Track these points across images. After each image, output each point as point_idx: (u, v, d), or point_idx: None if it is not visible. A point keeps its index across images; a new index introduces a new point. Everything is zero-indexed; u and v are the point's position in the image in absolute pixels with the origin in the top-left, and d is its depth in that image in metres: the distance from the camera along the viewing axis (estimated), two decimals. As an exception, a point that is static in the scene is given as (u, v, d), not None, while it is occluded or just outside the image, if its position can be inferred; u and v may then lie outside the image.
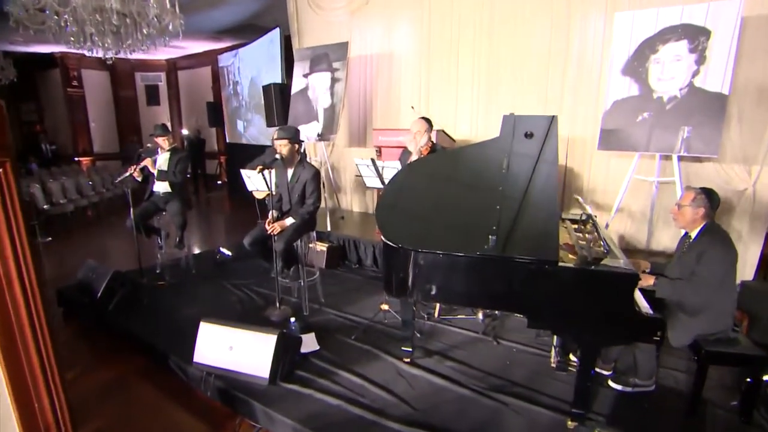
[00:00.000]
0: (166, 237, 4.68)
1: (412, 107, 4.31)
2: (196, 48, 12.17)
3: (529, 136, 2.79)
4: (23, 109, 14.69)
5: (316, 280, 3.96)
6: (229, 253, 5.16)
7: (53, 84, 13.02)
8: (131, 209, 4.08)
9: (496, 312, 3.65)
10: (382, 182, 3.22)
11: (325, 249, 4.90)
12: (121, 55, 5.36)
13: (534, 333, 3.36)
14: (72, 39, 4.67)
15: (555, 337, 3.07)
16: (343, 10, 6.01)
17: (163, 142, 4.51)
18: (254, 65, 8.92)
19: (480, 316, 3.61)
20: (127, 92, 13.57)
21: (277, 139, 3.55)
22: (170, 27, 4.99)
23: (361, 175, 3.31)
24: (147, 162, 4.40)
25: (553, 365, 3.04)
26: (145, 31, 4.82)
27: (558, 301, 2.20)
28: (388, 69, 5.83)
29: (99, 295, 3.67)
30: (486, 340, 3.37)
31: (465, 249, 2.23)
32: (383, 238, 2.49)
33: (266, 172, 3.51)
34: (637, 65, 3.79)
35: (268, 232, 3.51)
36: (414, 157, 3.37)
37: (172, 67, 13.68)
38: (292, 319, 3.09)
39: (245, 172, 4.28)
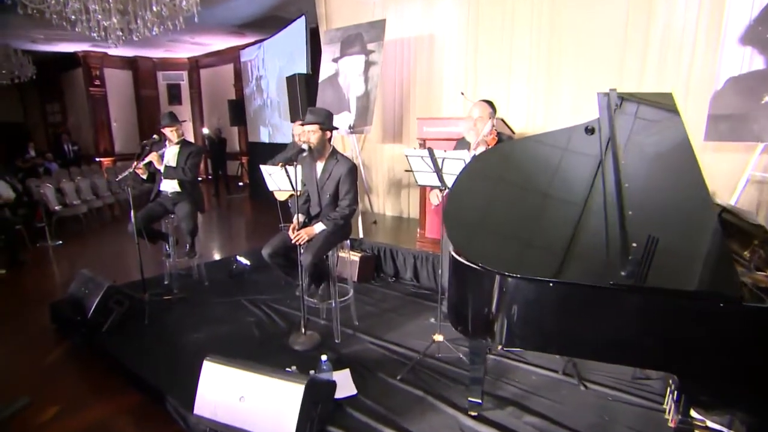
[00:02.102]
0: (175, 243, 4.05)
1: (462, 93, 3.57)
2: (218, 45, 11.73)
3: (640, 119, 2.07)
4: (48, 110, 14.59)
5: (349, 300, 3.25)
6: (248, 262, 4.51)
7: (76, 84, 12.79)
8: (132, 211, 3.45)
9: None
10: (441, 179, 2.49)
11: (357, 259, 4.20)
12: (134, 41, 4.77)
13: (627, 372, 2.59)
14: (74, 17, 4.10)
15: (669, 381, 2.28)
16: (377, -11, 5.33)
17: (171, 133, 3.88)
18: (281, 56, 8.30)
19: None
20: (149, 91, 13.24)
21: (304, 123, 2.86)
22: (183, 4, 4.38)
23: (411, 170, 2.58)
24: (153, 157, 3.77)
25: (671, 425, 2.24)
26: (155, 9, 4.21)
27: (735, 357, 1.43)
28: (428, 53, 5.10)
29: (90, 314, 3.05)
30: (569, 382, 2.59)
31: (589, 276, 1.48)
32: (453, 253, 1.76)
33: (290, 167, 2.84)
34: (762, 30, 2.95)
35: (293, 241, 2.82)
36: (479, 150, 2.63)
37: (195, 65, 13.31)
38: (324, 357, 2.38)
39: (266, 169, 3.63)
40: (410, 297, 3.90)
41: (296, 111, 6.13)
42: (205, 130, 12.16)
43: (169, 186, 3.91)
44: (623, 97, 2.17)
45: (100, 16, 4.13)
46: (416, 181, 2.67)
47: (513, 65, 4.55)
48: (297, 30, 7.54)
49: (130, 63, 12.94)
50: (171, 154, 3.91)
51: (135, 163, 3.73)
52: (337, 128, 2.98)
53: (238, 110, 10.81)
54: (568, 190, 1.88)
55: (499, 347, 2.20)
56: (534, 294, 1.52)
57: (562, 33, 4.24)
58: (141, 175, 3.82)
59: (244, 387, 2.05)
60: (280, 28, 8.29)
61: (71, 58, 12.23)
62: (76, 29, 4.42)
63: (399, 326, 3.31)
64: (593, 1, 4.03)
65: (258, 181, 9.34)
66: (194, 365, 2.24)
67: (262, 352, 2.91)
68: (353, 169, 2.90)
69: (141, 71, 13.03)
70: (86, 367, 3.04)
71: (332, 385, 2.20)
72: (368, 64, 4.75)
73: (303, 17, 7.22)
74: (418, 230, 4.30)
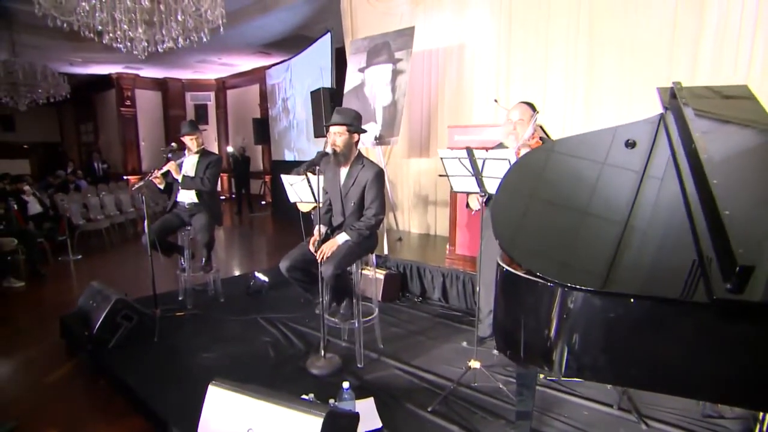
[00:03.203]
0: (191, 257, 3.86)
1: (496, 100, 3.33)
2: (245, 65, 11.93)
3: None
4: (82, 129, 15.08)
5: (374, 320, 2.95)
6: (266, 279, 4.28)
7: (108, 104, 13.18)
8: (146, 221, 3.28)
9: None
10: (480, 184, 2.21)
11: (382, 277, 3.91)
12: (161, 57, 4.73)
13: (694, 408, 2.21)
14: (101, 27, 4.08)
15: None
16: (405, -1, 5.20)
17: (190, 142, 3.74)
18: (307, 75, 8.26)
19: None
20: (177, 111, 13.52)
21: (330, 124, 2.65)
22: (209, 14, 4.32)
23: (446, 175, 2.31)
24: (170, 166, 3.62)
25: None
26: (180, 18, 4.15)
27: None
28: (458, 63, 4.89)
29: (96, 328, 2.85)
30: (627, 419, 2.21)
31: (675, 291, 1.17)
32: (502, 263, 1.47)
33: (312, 176, 2.62)
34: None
35: (316, 258, 2.57)
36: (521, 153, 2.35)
37: (222, 86, 13.56)
38: (345, 385, 2.09)
39: (287, 179, 3.42)
40: (439, 318, 3.58)
41: (320, 127, 5.99)
42: (230, 149, 12.25)
43: (187, 197, 3.74)
44: (680, 91, 1.89)
45: (126, 26, 4.09)
46: (452, 187, 2.39)
47: (548, 72, 4.28)
48: (323, 47, 7.50)
49: (160, 84, 13.27)
50: (190, 164, 3.76)
51: (153, 171, 3.59)
52: (365, 131, 2.76)
53: (262, 129, 10.85)
54: (626, 195, 1.58)
55: (560, 377, 1.87)
56: (608, 312, 1.21)
57: (602, 37, 3.96)
58: (158, 185, 3.69)
59: (253, 417, 1.77)
60: (306, 46, 8.30)
61: (105, 80, 12.65)
62: (104, 41, 4.40)
63: (428, 350, 2.99)
64: (636, 4, 3.76)
65: (281, 200, 9.32)
66: (202, 389, 1.98)
67: (277, 376, 2.64)
68: (380, 175, 2.65)
69: (170, 92, 13.35)
70: (90, 386, 2.83)
71: (355, 418, 1.90)
72: (395, 73, 4.57)
73: (328, 34, 7.18)
74: (448, 246, 4.01)
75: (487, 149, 2.04)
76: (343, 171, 2.73)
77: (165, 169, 3.62)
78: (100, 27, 4.12)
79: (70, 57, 10.49)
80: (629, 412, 2.21)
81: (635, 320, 1.21)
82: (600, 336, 1.24)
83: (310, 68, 8.10)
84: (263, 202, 11.91)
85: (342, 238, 2.62)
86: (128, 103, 12.77)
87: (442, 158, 2.26)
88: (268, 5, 7.79)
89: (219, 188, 13.59)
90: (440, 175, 2.40)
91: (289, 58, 9.37)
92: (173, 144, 3.70)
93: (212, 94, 13.78)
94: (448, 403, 2.33)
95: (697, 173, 1.45)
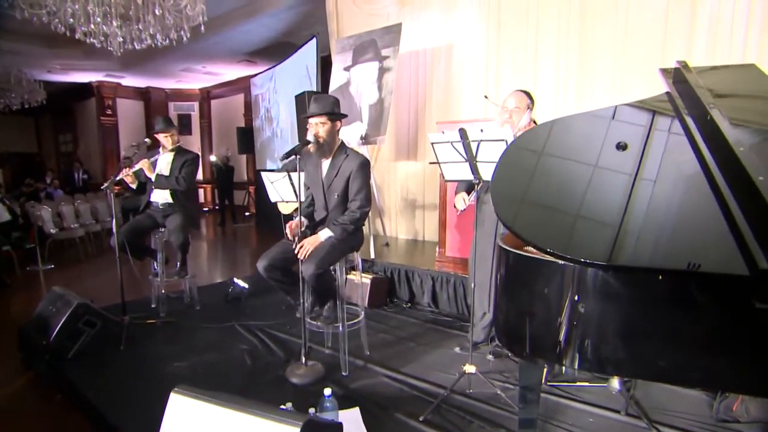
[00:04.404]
0: (165, 262, 3.61)
1: (486, 96, 3.21)
2: (229, 75, 11.76)
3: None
4: (60, 140, 14.68)
5: (359, 324, 2.74)
6: (246, 285, 4.04)
7: (88, 113, 12.86)
8: (114, 220, 3.05)
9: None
10: (475, 170, 2.05)
11: (368, 281, 3.71)
12: (135, 47, 4.53)
13: (707, 411, 2.05)
14: (72, 20, 3.87)
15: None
16: (391, 0, 5.10)
17: (165, 139, 3.53)
18: (291, 81, 8.12)
19: (615, 383, 2.26)
20: (160, 121, 13.23)
21: (311, 116, 2.48)
22: (188, 9, 4.15)
23: (437, 162, 2.15)
24: (143, 164, 3.40)
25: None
26: (158, 12, 3.98)
27: None
28: (446, 63, 4.79)
29: (53, 336, 2.58)
30: (635, 425, 2.04)
31: (716, 265, 1.01)
32: (502, 245, 1.30)
33: (293, 173, 2.44)
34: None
35: (296, 253, 2.36)
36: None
37: (206, 96, 13.34)
38: (327, 392, 1.87)
39: (267, 176, 3.24)
40: (430, 324, 3.38)
41: (305, 131, 5.82)
42: (212, 158, 11.96)
43: (161, 197, 3.52)
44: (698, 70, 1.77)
45: (99, 19, 3.89)
46: (443, 176, 2.23)
47: (539, 70, 4.19)
48: (308, 53, 7.37)
49: (143, 93, 13.01)
50: (164, 162, 3.55)
51: (124, 170, 3.37)
52: (346, 115, 2.59)
53: (246, 138, 10.62)
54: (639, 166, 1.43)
55: (575, 371, 1.68)
56: (632, 292, 1.04)
57: (593, 34, 3.89)
58: (130, 185, 3.46)
59: (220, 427, 1.54)
60: (292, 53, 8.17)
61: (85, 88, 12.33)
62: (76, 36, 4.19)
63: (419, 357, 2.78)
64: (627, 3, 3.69)
65: (266, 210, 9.07)
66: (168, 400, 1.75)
67: (253, 385, 2.41)
68: (366, 165, 2.47)
69: (153, 101, 13.08)
70: (46, 401, 2.54)
71: (338, 428, 1.68)
72: (382, 71, 4.44)
73: (314, 39, 7.07)
74: (438, 249, 3.83)
75: (482, 130, 1.88)
76: (326, 163, 2.55)
77: (137, 167, 3.40)
78: (71, 20, 3.91)
79: (48, 63, 10.19)
80: (638, 417, 2.04)
81: (665, 301, 1.04)
82: (622, 321, 1.07)
83: (295, 74, 7.95)
84: (247, 214, 11.61)
85: (325, 234, 2.43)
86: (109, 112, 12.46)
87: (432, 143, 2.10)
88: (253, 11, 7.68)
89: (202, 200, 13.43)
90: (431, 163, 2.24)
91: (273, 66, 9.23)
92: (146, 140, 3.49)
93: (196, 104, 13.54)
94: (441, 412, 2.13)
95: (718, 144, 1.31)
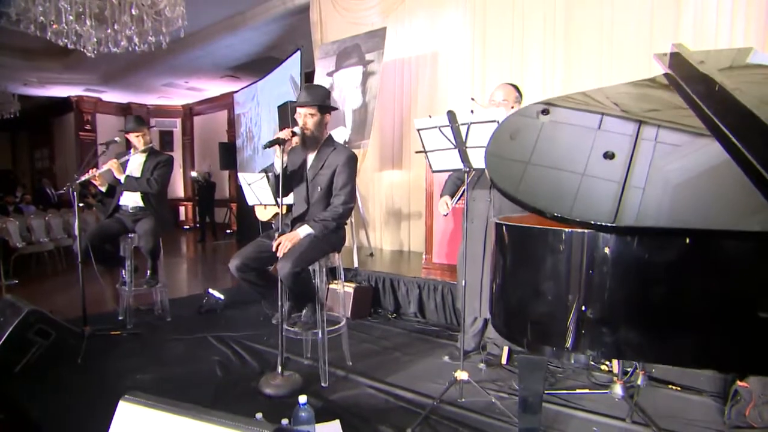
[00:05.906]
0: (134, 270, 3.37)
1: (473, 99, 3.12)
2: (212, 90, 11.65)
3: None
4: (36, 155, 14.27)
5: (340, 330, 2.54)
6: (222, 296, 3.81)
7: (66, 128, 12.56)
8: (76, 222, 2.83)
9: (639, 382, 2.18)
10: (465, 157, 1.91)
11: (351, 290, 3.52)
12: (110, 50, 4.36)
13: (718, 417, 1.90)
14: (42, 18, 3.71)
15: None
16: (375, 10, 5.07)
17: (136, 139, 3.36)
18: (274, 94, 8.01)
19: (618, 389, 2.10)
20: (141, 137, 12.99)
21: (300, 105, 2.34)
22: (167, 11, 4.03)
23: (424, 151, 2.02)
24: (112, 164, 3.21)
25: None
26: (134, 12, 3.84)
27: None
28: (431, 71, 4.74)
29: (-1, 347, 2.32)
30: (642, 436, 1.87)
31: (748, 223, 0.87)
32: (499, 221, 1.15)
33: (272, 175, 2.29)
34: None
35: (274, 248, 2.18)
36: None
37: (188, 112, 13.18)
38: (302, 399, 1.67)
39: (244, 177, 3.09)
40: (416, 334, 3.19)
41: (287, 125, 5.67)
42: (193, 173, 11.69)
43: (131, 200, 3.31)
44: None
45: (71, 17, 3.73)
46: (431, 167, 2.09)
47: (525, 74, 4.15)
48: (292, 66, 7.29)
49: (123, 109, 12.76)
50: (136, 164, 3.36)
51: (90, 170, 3.16)
52: (336, 108, 2.46)
53: (229, 154, 10.41)
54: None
55: (589, 360, 1.51)
56: (655, 261, 0.89)
57: (579, 38, 3.88)
58: (99, 187, 3.25)
59: (175, 440, 1.33)
60: (275, 67, 8.10)
61: (64, 103, 12.06)
62: (47, 35, 4.01)
63: (406, 367, 2.59)
64: (612, 5, 3.70)
65: (247, 228, 8.81)
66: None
67: (222, 397, 2.18)
68: (353, 159, 2.32)
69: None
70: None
71: (313, 439, 1.48)
72: (366, 75, 4.36)
73: (298, 52, 7.00)
74: (424, 256, 3.67)
75: (472, 111, 1.76)
76: (310, 157, 2.39)
77: (105, 167, 3.20)
78: (42, 18, 3.74)
79: (24, 76, 9.92)
80: (644, 425, 1.87)
81: (693, 269, 0.89)
82: (642, 295, 0.92)
83: (279, 87, 7.86)
84: (228, 231, 11.30)
85: (304, 231, 2.25)
86: (88, 127, 12.18)
87: (418, 130, 1.96)
88: (236, 24, 7.63)
89: (182, 218, 13.08)
90: (417, 152, 2.10)
91: (256, 81, 9.14)
92: (116, 138, 3.30)
93: (178, 121, 13.35)
94: (430, 424, 1.93)
95: (729, 106, 1.20)
